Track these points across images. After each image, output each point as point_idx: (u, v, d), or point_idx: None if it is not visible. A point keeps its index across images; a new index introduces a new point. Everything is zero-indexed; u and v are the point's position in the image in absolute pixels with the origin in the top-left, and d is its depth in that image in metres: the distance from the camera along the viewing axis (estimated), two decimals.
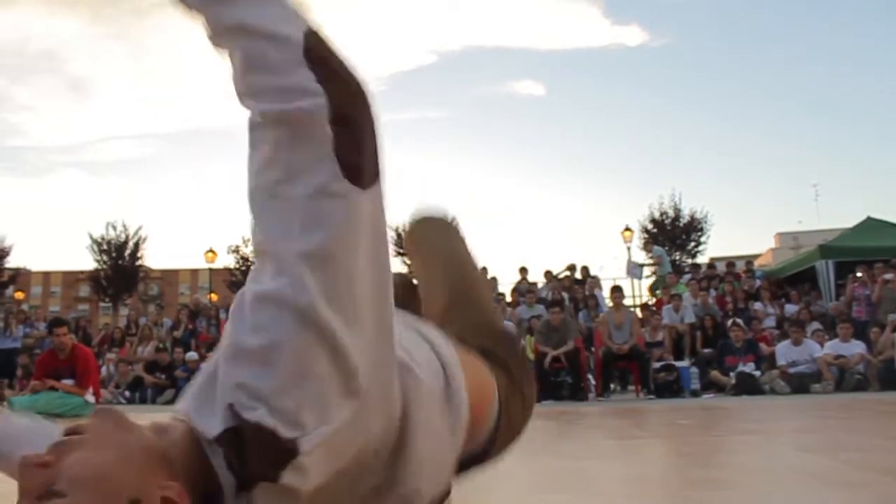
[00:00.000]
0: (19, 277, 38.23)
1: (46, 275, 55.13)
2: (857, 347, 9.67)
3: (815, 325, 10.79)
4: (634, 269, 17.52)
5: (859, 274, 11.86)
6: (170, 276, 57.59)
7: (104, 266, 35.75)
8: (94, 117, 72.00)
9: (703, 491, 2.24)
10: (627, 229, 29.05)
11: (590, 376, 10.25)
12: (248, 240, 25.61)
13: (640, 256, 19.91)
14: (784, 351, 9.77)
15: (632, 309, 14.55)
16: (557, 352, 9.67)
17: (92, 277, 36.84)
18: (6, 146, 68.30)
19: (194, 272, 58.16)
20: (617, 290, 11.01)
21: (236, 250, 35.35)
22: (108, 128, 77.90)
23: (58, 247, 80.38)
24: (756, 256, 30.47)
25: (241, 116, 1.06)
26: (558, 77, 57.25)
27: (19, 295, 31.62)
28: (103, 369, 11.93)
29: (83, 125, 74.97)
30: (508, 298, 14.16)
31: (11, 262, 36.29)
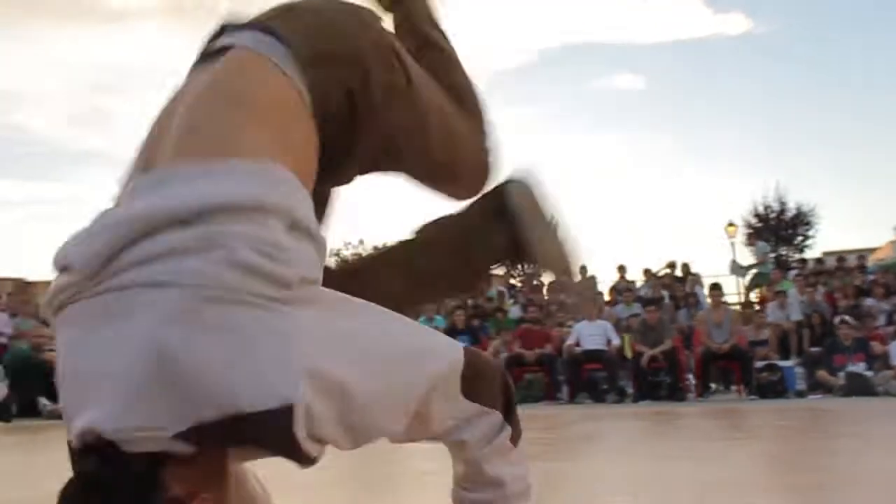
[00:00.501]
0: None
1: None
2: None
3: None
4: (738, 269, 16.96)
5: None
6: None
7: None
8: None
9: (778, 496, 2.15)
10: (731, 224, 28.14)
11: (690, 376, 9.98)
12: (347, 243, 25.97)
13: (744, 252, 19.21)
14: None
15: (735, 307, 14.13)
16: (654, 351, 9.46)
17: None
18: None
19: None
20: (716, 288, 10.66)
21: (336, 254, 36.20)
22: None
23: None
24: (874, 250, 28.95)
25: None
26: (659, 69, 56.06)
27: None
28: None
29: None
30: (607, 297, 13.97)
31: None
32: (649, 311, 10.08)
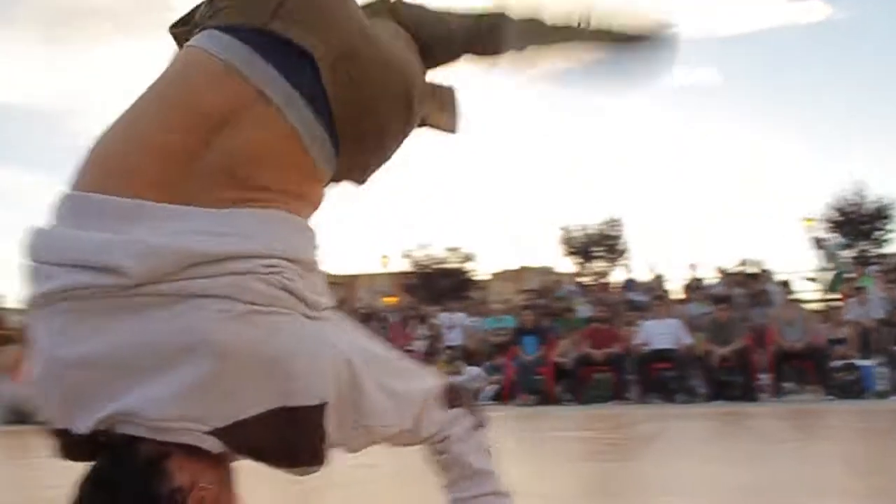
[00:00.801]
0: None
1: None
2: None
3: None
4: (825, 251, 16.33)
5: None
6: (349, 281, 60.09)
7: None
8: None
9: (854, 500, 2.11)
10: (809, 218, 27.24)
11: (763, 376, 9.74)
12: (422, 245, 26.55)
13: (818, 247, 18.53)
14: None
15: (813, 304, 13.73)
16: (725, 350, 9.28)
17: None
18: None
19: (372, 276, 60.20)
20: (786, 286, 10.41)
21: (409, 255, 36.39)
22: None
23: None
24: None
25: None
26: (735, 62, 54.59)
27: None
28: None
29: None
30: (680, 296, 13.75)
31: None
32: (720, 309, 9.90)
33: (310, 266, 1.24)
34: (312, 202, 1.32)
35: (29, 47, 71.20)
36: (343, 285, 57.45)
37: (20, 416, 7.04)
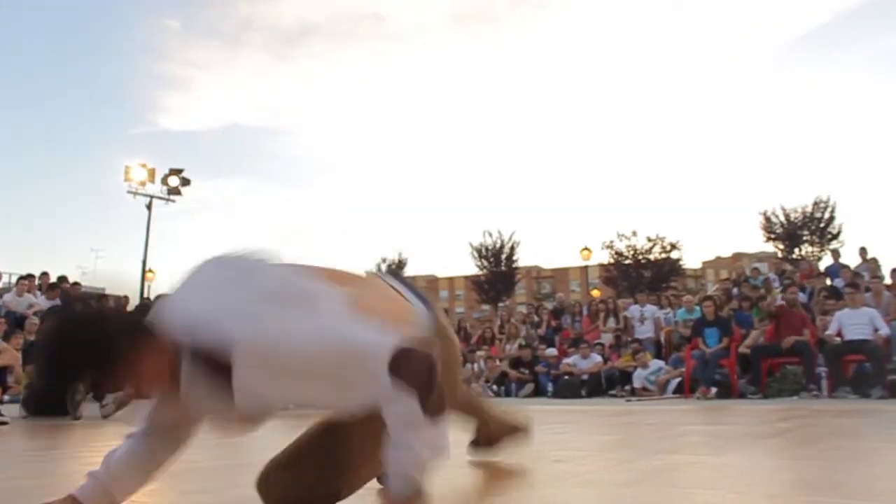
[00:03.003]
0: (424, 284, 43.27)
1: (451, 280, 61.36)
2: None
3: None
4: None
5: None
6: (560, 275, 60.36)
7: (484, 270, 39.04)
8: None
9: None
10: None
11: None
12: (623, 235, 26.48)
13: None
14: None
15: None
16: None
17: (474, 282, 40.46)
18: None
19: (583, 269, 60.28)
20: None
21: (610, 245, 36.09)
22: None
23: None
24: None
25: None
26: None
27: None
28: (474, 365, 13.27)
29: None
30: (888, 280, 12.66)
31: (414, 270, 41.22)
32: None
33: None
34: None
35: (258, 68, 78.25)
36: (553, 279, 57.69)
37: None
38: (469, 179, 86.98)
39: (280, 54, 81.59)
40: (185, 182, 24.98)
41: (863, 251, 13.57)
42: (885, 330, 9.15)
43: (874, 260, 13.60)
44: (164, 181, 24.63)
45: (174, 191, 24.77)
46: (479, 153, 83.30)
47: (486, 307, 38.79)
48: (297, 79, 78.85)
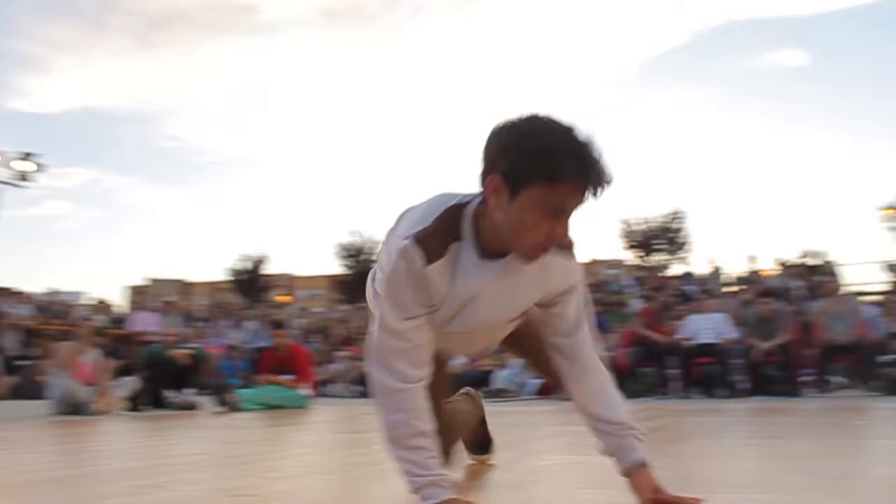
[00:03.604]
0: (283, 282, 42.47)
1: (311, 279, 60.45)
2: None
3: None
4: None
5: None
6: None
7: (351, 270, 38.81)
8: None
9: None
10: (889, 207, 26.12)
11: (810, 371, 9.49)
12: None
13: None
14: None
15: (873, 296, 13.25)
16: (768, 344, 9.10)
17: (335, 281, 40.16)
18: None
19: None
20: (834, 277, 10.10)
21: None
22: None
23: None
24: None
25: None
26: (824, 43, 52.61)
27: (283, 299, 35.13)
28: (337, 366, 13.04)
29: None
30: (733, 288, 13.52)
31: (273, 269, 40.26)
32: (763, 302, 9.69)
33: None
34: None
35: (122, 53, 74.25)
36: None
37: (73, 408, 7.46)
38: (331, 177, 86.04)
39: (146, 40, 77.69)
40: (38, 167, 23.22)
41: (711, 261, 14.44)
42: (732, 333, 9.71)
43: (720, 269, 14.55)
44: (12, 166, 22.79)
45: (24, 177, 22.98)
46: (344, 152, 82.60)
47: (344, 307, 38.27)
48: (163, 66, 75.33)
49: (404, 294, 1.73)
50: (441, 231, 1.72)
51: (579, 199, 1.58)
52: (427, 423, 1.77)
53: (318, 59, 74.18)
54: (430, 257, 1.70)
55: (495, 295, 1.80)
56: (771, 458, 3.18)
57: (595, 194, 1.57)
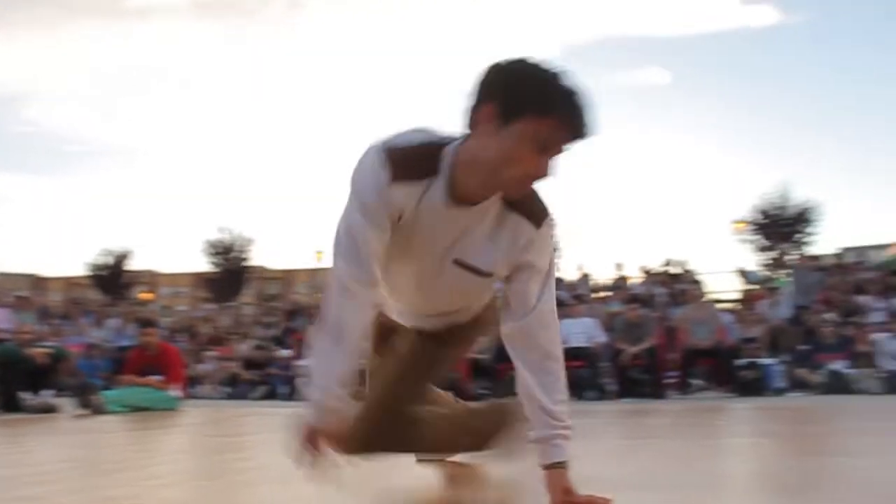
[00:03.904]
0: (145, 279, 40.71)
1: (175, 276, 58.20)
2: None
3: None
4: (750, 275, 16.82)
5: None
6: (289, 276, 59.46)
7: (219, 268, 37.69)
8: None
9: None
10: (739, 221, 27.80)
11: (674, 374, 9.98)
12: None
13: (748, 248, 18.99)
14: (886, 344, 9.21)
15: (731, 304, 14.11)
16: (635, 348, 9.48)
17: (201, 279, 38.91)
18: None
19: (313, 272, 59.75)
20: (697, 284, 10.67)
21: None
22: None
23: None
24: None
25: None
26: (685, 63, 55.56)
27: (146, 296, 33.67)
28: (205, 366, 12.60)
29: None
30: (601, 294, 14.00)
31: (136, 264, 38.54)
32: (631, 308, 10.10)
33: None
34: None
35: None
36: (282, 280, 56.50)
37: None
38: (200, 171, 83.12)
39: None
40: None
41: (579, 267, 14.92)
42: (601, 338, 10.06)
43: (588, 275, 15.08)
44: None
45: None
46: (214, 146, 79.94)
47: (209, 306, 37.18)
48: (18, 48, 70.44)
49: (365, 182, 1.71)
50: (415, 159, 1.70)
51: (566, 137, 1.61)
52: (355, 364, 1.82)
53: (190, 50, 71.56)
54: (396, 176, 1.68)
55: (453, 237, 1.78)
56: (657, 458, 3.30)
57: (581, 136, 1.62)
